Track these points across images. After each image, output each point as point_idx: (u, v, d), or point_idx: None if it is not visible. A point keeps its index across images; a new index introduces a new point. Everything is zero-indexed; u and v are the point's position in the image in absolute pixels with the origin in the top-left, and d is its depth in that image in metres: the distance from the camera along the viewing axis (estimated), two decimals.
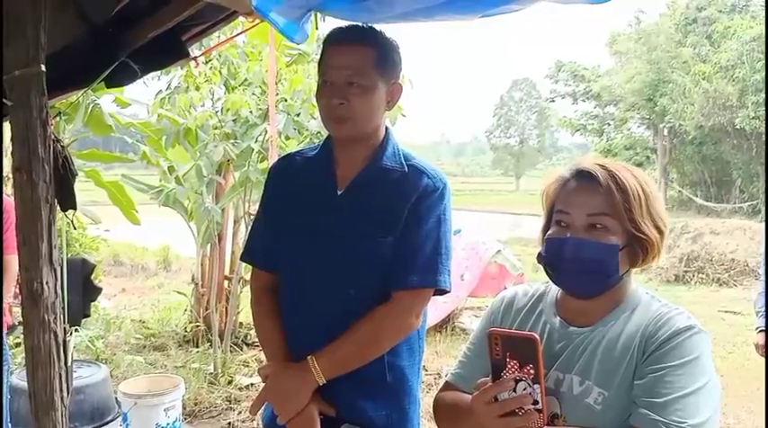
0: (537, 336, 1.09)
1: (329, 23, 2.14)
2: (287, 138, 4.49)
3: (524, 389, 1.07)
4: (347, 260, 1.53)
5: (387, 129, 1.62)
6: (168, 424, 3.37)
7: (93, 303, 4.32)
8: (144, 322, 6.31)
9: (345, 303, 1.52)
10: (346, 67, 1.50)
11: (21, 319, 3.10)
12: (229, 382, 4.60)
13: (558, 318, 1.26)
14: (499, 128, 53.89)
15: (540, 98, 48.11)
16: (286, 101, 4.44)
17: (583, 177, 1.20)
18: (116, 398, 3.48)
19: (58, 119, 3.46)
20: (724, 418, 4.19)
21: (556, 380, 1.20)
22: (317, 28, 2.81)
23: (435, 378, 4.65)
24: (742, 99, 17.42)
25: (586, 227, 1.18)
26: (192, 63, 4.04)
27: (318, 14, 2.04)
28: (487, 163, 60.88)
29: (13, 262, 2.66)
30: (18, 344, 3.97)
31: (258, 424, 3.98)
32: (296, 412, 1.48)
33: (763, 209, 10.77)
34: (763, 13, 18.71)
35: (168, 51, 2.27)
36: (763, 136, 17.37)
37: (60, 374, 1.66)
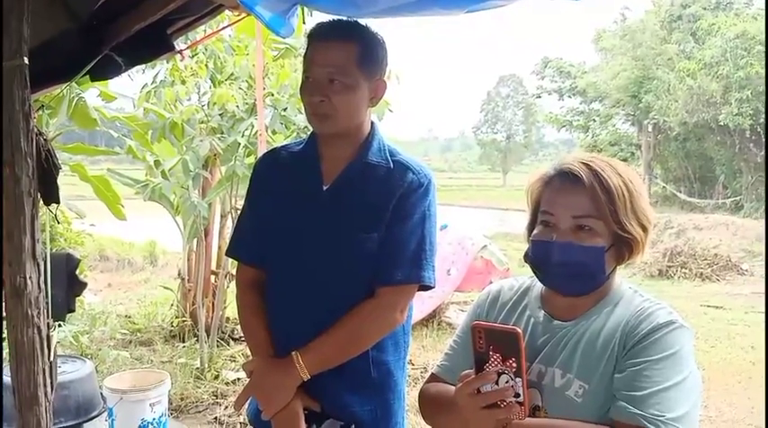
0: (519, 330, 1.10)
1: (317, 17, 2.13)
2: (274, 132, 4.47)
3: (507, 382, 1.09)
4: (332, 255, 1.53)
5: (373, 124, 1.62)
6: (154, 419, 3.36)
7: (77, 298, 4.28)
8: (130, 317, 6.28)
9: (330, 299, 1.52)
10: (328, 65, 1.49)
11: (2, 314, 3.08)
12: (216, 377, 4.59)
13: (543, 312, 1.27)
14: (486, 123, 54.01)
15: (526, 94, 48.28)
16: (273, 95, 4.42)
17: (567, 177, 1.21)
18: (101, 394, 3.46)
19: (41, 112, 3.42)
20: (705, 411, 4.25)
21: (538, 373, 1.21)
22: (303, 22, 2.81)
23: (422, 372, 4.67)
24: (726, 96, 17.58)
25: (572, 229, 1.19)
26: (178, 57, 4.01)
27: (306, 8, 2.04)
28: (474, 158, 60.99)
29: None
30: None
31: (244, 419, 3.98)
32: (280, 407, 1.48)
33: (764, 208, 10.90)
34: (747, 11, 18.89)
35: (153, 45, 2.25)
36: (747, 132, 17.58)
37: (44, 369, 1.64)
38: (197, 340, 5.03)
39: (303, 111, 4.43)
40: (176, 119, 4.52)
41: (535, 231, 1.24)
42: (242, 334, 5.49)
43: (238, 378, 4.58)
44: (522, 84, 51.76)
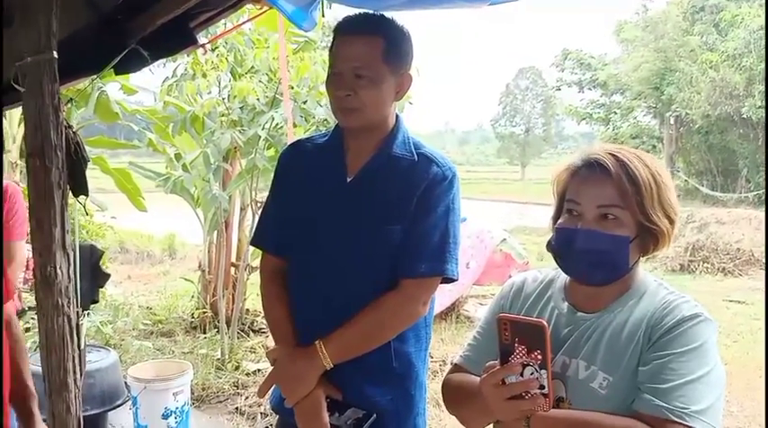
0: (545, 323, 1.10)
1: (335, 11, 2.14)
2: (294, 125, 4.49)
3: (531, 374, 1.10)
4: (355, 247, 1.54)
5: (397, 117, 1.62)
6: (177, 408, 3.41)
7: (100, 289, 4.35)
8: (151, 308, 6.36)
9: (353, 289, 1.54)
10: (354, 59, 1.49)
11: (30, 304, 3.14)
12: (236, 368, 4.64)
13: (567, 304, 1.27)
14: (505, 116, 53.65)
15: (545, 86, 47.88)
16: (293, 88, 4.43)
17: (594, 167, 1.20)
18: (125, 383, 3.52)
19: (69, 105, 3.47)
20: (727, 406, 4.21)
21: (562, 365, 1.22)
22: (323, 15, 2.82)
23: (440, 365, 4.68)
24: (749, 88, 17.29)
25: (597, 218, 1.18)
26: (200, 50, 4.04)
27: (325, 1, 2.04)
28: (492, 151, 60.66)
29: (18, 248, 2.67)
30: (28, 329, 4.02)
31: (265, 408, 4.02)
32: (303, 395, 1.50)
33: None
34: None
35: (177, 38, 2.27)
36: None
37: (73, 357, 1.68)
38: (217, 331, 5.09)
39: (322, 104, 4.46)
40: (197, 112, 4.55)
41: (560, 220, 1.24)
42: (262, 326, 5.56)
43: (259, 369, 4.62)
44: (542, 76, 51.32)
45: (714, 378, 1.11)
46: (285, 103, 3.90)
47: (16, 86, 1.71)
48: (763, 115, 16.71)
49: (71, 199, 1.86)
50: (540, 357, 1.09)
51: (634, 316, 1.19)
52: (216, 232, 5.42)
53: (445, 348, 5.19)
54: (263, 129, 4.42)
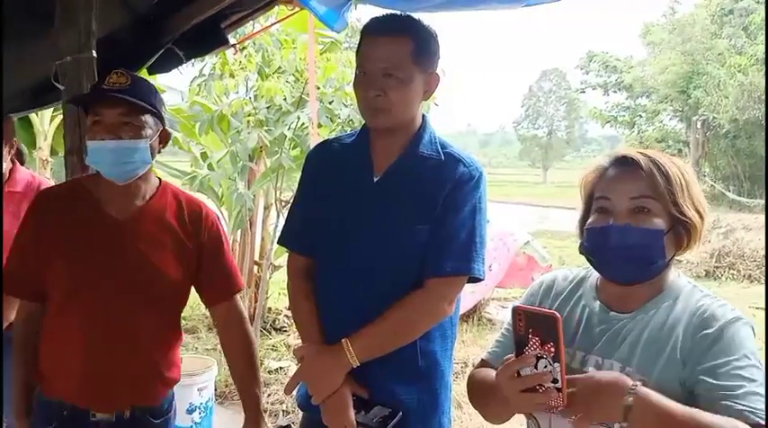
0: (558, 315, 1.08)
1: (358, 12, 2.14)
2: (319, 125, 4.52)
3: (545, 367, 1.08)
4: (382, 246, 1.55)
5: (424, 117, 1.63)
6: (201, 404, 3.45)
7: None
8: None
9: (379, 288, 1.54)
10: (383, 59, 1.50)
11: None
12: (259, 365, 4.67)
13: (598, 303, 1.26)
14: (527, 118, 53.42)
15: (569, 89, 47.54)
16: (319, 89, 4.46)
17: (623, 164, 1.21)
18: None
19: None
20: None
21: (596, 364, 1.21)
22: None
23: (462, 367, 4.67)
24: None
25: (630, 211, 1.18)
26: (230, 50, 4.09)
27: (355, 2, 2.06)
28: (514, 154, 60.47)
29: None
30: None
31: (287, 406, 4.05)
32: (330, 392, 1.51)
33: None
34: None
35: (209, 38, 2.31)
36: None
37: None
38: None
39: (347, 104, 4.47)
40: (224, 111, 4.60)
41: (590, 220, 1.24)
42: (284, 325, 5.60)
43: (281, 367, 4.66)
44: (566, 78, 51.02)
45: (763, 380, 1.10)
46: (312, 104, 3.93)
47: (56, 84, 1.75)
48: None
49: None
50: (553, 350, 1.07)
51: (671, 319, 1.17)
52: (240, 230, 5.46)
53: (467, 350, 5.18)
54: (289, 128, 4.45)
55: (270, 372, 4.59)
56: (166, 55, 2.22)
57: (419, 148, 1.58)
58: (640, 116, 23.13)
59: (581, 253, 1.26)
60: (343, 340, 1.51)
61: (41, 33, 1.98)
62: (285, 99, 4.49)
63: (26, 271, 1.63)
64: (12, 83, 2.19)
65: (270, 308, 5.71)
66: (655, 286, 1.22)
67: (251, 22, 3.51)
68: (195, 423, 3.42)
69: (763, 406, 1.05)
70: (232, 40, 2.94)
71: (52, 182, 2.57)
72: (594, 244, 1.22)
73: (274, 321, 5.60)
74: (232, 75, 4.56)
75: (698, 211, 1.19)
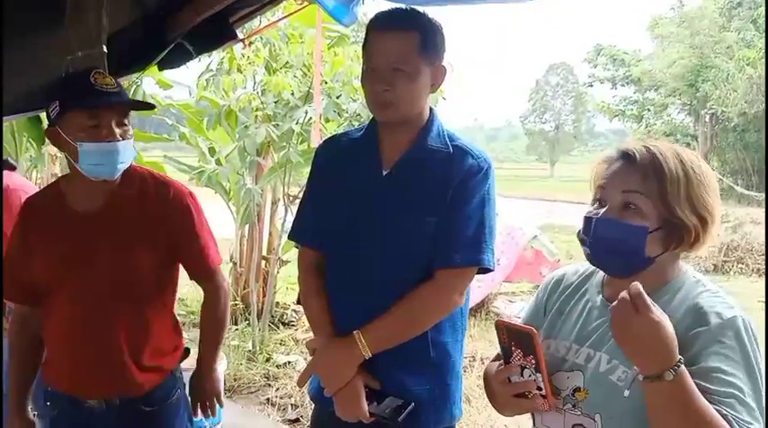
0: (534, 331, 1.16)
1: (368, 6, 2.14)
2: (327, 120, 4.52)
3: (530, 376, 1.17)
4: (392, 239, 1.56)
5: (432, 110, 1.63)
6: None
7: None
8: (183, 299, 6.45)
9: (389, 281, 1.55)
10: (390, 54, 1.51)
11: None
12: (267, 360, 4.70)
13: (601, 297, 1.27)
14: (534, 113, 53.25)
15: (577, 83, 47.37)
16: (326, 83, 4.47)
17: (624, 156, 1.21)
18: None
19: None
20: None
21: (586, 357, 1.22)
22: None
23: (470, 361, 4.68)
24: None
25: (621, 205, 1.18)
26: (237, 45, 4.09)
27: None
28: (521, 148, 60.28)
29: None
30: None
31: (296, 400, 4.07)
32: (342, 384, 1.52)
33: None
34: None
35: (218, 33, 2.31)
36: None
37: None
38: (248, 323, 5.15)
39: (355, 98, 4.47)
40: (232, 106, 4.61)
41: (589, 208, 1.25)
42: (292, 319, 5.62)
43: (289, 362, 4.68)
44: (573, 72, 50.84)
45: (760, 385, 1.09)
46: (316, 98, 3.93)
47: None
48: None
49: None
50: (533, 361, 1.16)
51: (665, 313, 1.13)
52: (248, 225, 5.48)
53: (474, 344, 5.18)
54: (296, 123, 4.46)
55: (278, 367, 4.60)
56: (176, 50, 2.22)
57: (428, 141, 1.58)
58: (648, 110, 23.01)
59: (578, 238, 1.26)
60: (354, 332, 1.52)
61: (53, 31, 1.99)
62: (293, 94, 4.50)
63: (15, 277, 1.71)
64: (24, 82, 2.20)
65: (278, 303, 5.73)
66: (655, 281, 1.20)
67: (258, 16, 3.51)
68: (191, 423, 3.43)
69: (748, 418, 1.04)
70: (240, 35, 2.94)
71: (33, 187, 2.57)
72: (585, 233, 1.23)
73: (282, 316, 5.62)
74: (240, 70, 4.56)
75: (698, 214, 1.16)
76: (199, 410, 1.88)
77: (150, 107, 1.76)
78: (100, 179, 1.62)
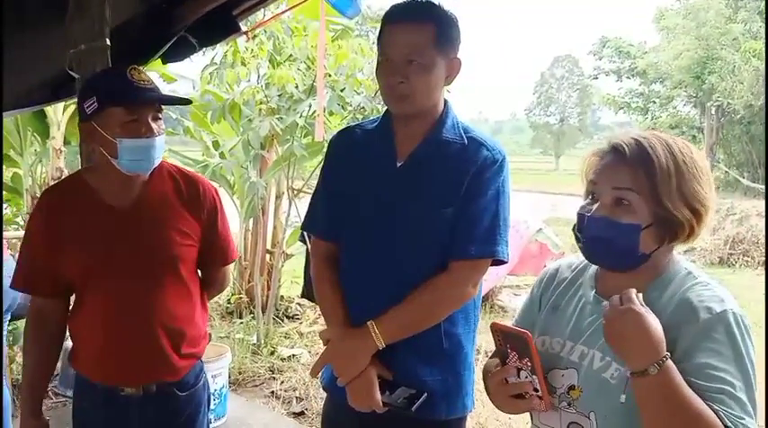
0: (529, 335, 1.17)
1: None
2: (331, 113, 4.51)
3: (525, 377, 1.19)
4: (406, 231, 1.56)
5: (446, 102, 1.63)
6: (215, 391, 3.48)
7: None
8: None
9: (403, 273, 1.56)
10: (406, 46, 1.50)
11: None
12: (272, 353, 4.71)
13: (593, 292, 1.25)
14: (539, 106, 53.10)
15: (582, 75, 47.22)
16: (330, 76, 4.45)
17: (615, 150, 1.19)
18: None
19: None
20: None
21: (580, 354, 1.21)
22: None
23: (475, 354, 4.68)
24: None
25: (611, 202, 1.17)
26: (241, 38, 4.08)
27: None
28: (526, 141, 60.19)
29: None
30: None
31: (301, 393, 4.08)
32: (355, 374, 1.53)
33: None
34: None
35: (221, 26, 2.31)
36: None
37: None
38: (253, 317, 5.16)
39: (360, 91, 4.44)
40: (236, 99, 4.60)
41: (581, 203, 1.24)
42: (296, 313, 5.63)
43: (293, 355, 4.69)
44: (578, 64, 50.64)
45: (752, 379, 1.08)
46: (319, 92, 3.92)
47: (71, 73, 1.76)
48: None
49: None
50: (529, 363, 1.17)
51: (656, 309, 1.12)
52: (252, 219, 5.48)
53: (479, 337, 5.08)
54: (300, 116, 4.45)
55: (283, 360, 4.62)
56: (180, 43, 2.22)
57: (442, 133, 1.58)
58: (654, 102, 22.89)
59: (573, 232, 1.26)
60: (368, 322, 1.53)
61: (56, 25, 1.98)
62: (297, 87, 4.48)
63: (37, 268, 1.69)
64: (28, 76, 2.21)
65: (282, 296, 5.74)
66: (649, 274, 1.19)
67: (262, 9, 3.50)
68: (210, 409, 3.45)
69: (739, 412, 1.04)
70: (244, 28, 2.94)
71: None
72: (578, 230, 1.23)
73: (287, 309, 5.63)
74: (243, 63, 4.55)
75: (691, 207, 1.14)
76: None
77: (187, 102, 1.78)
78: (135, 174, 1.65)
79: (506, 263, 1.60)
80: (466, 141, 1.57)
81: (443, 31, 1.53)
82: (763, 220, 10.23)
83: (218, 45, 4.43)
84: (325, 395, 1.76)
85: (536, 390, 1.18)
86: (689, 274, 1.18)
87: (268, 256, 5.53)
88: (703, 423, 1.02)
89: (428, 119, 1.59)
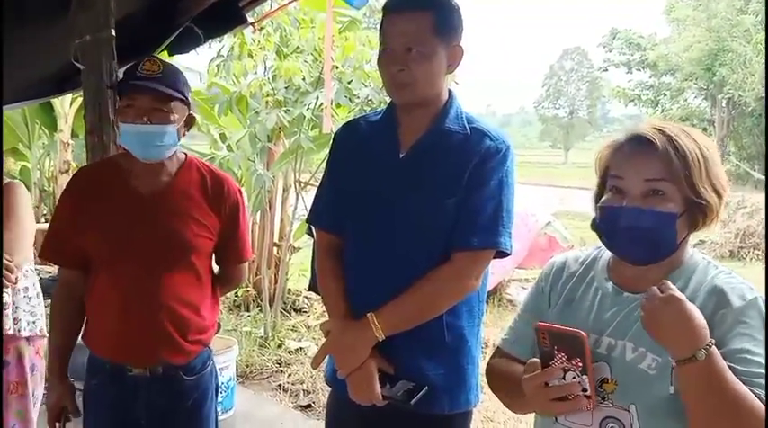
0: (585, 334, 1.12)
1: None
2: (338, 105, 4.48)
3: (573, 378, 1.13)
4: (409, 222, 1.54)
5: (450, 92, 1.61)
6: (222, 383, 3.48)
7: None
8: None
9: (406, 264, 1.54)
10: (405, 35, 1.49)
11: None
12: (279, 346, 4.71)
13: (611, 284, 1.24)
14: (548, 98, 52.88)
15: (591, 68, 46.95)
16: (337, 68, 4.43)
17: (639, 142, 1.17)
18: None
19: None
20: None
21: (608, 346, 1.19)
22: None
23: (482, 348, 4.67)
24: None
25: (643, 193, 1.15)
26: (248, 30, 4.06)
27: None
28: (535, 135, 59.98)
29: None
30: None
31: (308, 386, 4.08)
32: (355, 366, 1.51)
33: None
34: None
35: (227, 17, 2.29)
36: None
37: None
38: (260, 310, 5.17)
39: (367, 83, 4.41)
40: (243, 92, 4.59)
41: (604, 197, 1.22)
42: (303, 306, 5.63)
43: (300, 348, 4.69)
44: (588, 57, 50.37)
45: None
46: (326, 84, 3.90)
47: (76, 64, 1.75)
48: None
49: None
50: (580, 364, 1.12)
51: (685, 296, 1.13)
52: (259, 212, 5.47)
53: (487, 331, 5.13)
54: (307, 109, 4.43)
55: (290, 353, 4.62)
56: (186, 35, 2.20)
57: (445, 123, 1.56)
58: (664, 94, 22.75)
59: (592, 229, 1.24)
60: (368, 314, 1.51)
61: (61, 17, 1.97)
62: (304, 79, 4.46)
63: (63, 241, 1.78)
64: (34, 68, 2.20)
65: (289, 290, 5.74)
66: (669, 265, 1.19)
67: (268, 0, 3.48)
68: (217, 401, 3.46)
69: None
70: (250, 19, 2.92)
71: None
72: (606, 223, 1.20)
73: (294, 302, 5.63)
74: (250, 56, 4.53)
75: (716, 191, 1.16)
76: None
77: (181, 97, 1.74)
78: (149, 161, 1.71)
79: (509, 255, 1.57)
80: (469, 131, 1.55)
81: (443, 18, 1.51)
82: None
83: (224, 37, 4.42)
84: None
85: (584, 390, 1.14)
86: (709, 264, 1.20)
87: (275, 249, 5.53)
88: (748, 404, 1.03)
89: (431, 109, 1.57)
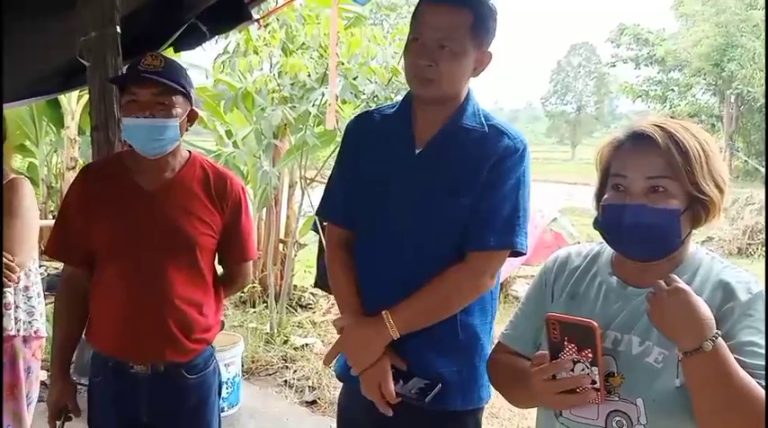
0: (596, 324, 1.11)
1: None
2: (343, 101, 4.48)
3: (582, 370, 1.13)
4: (423, 219, 1.53)
5: (468, 90, 1.59)
6: (228, 379, 3.50)
7: None
8: None
9: (419, 261, 1.53)
10: (440, 29, 1.46)
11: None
12: (285, 342, 4.72)
13: (615, 278, 1.24)
14: (555, 94, 52.66)
15: (599, 63, 46.66)
16: (343, 64, 4.42)
17: (640, 139, 1.17)
18: None
19: None
20: None
21: (614, 340, 1.19)
22: None
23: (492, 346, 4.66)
24: None
25: (646, 191, 1.15)
26: (253, 26, 4.05)
27: None
28: (542, 130, 59.71)
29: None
30: None
31: (313, 382, 4.09)
32: (369, 364, 1.50)
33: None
34: None
35: (233, 14, 2.29)
36: None
37: None
38: (266, 306, 5.18)
39: (373, 80, 4.40)
40: (249, 88, 4.59)
41: (606, 196, 1.21)
42: (309, 302, 5.63)
43: (306, 344, 4.70)
44: (596, 52, 50.12)
45: None
46: (332, 80, 3.89)
47: (81, 60, 1.75)
48: None
49: None
50: (590, 355, 1.12)
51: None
52: (265, 208, 5.48)
53: (497, 328, 5.14)
54: (313, 105, 4.43)
55: (296, 349, 4.63)
56: (191, 31, 2.20)
57: (462, 120, 1.54)
58: (672, 90, 22.61)
59: (595, 228, 1.24)
60: (383, 312, 1.50)
61: (68, 13, 1.98)
62: (309, 75, 4.46)
63: (68, 238, 1.78)
64: (40, 65, 2.20)
65: (295, 286, 5.75)
66: (673, 260, 1.19)
67: None
68: (222, 397, 3.47)
69: None
70: (255, 16, 2.92)
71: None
72: (609, 221, 1.20)
73: (300, 298, 5.64)
74: (256, 52, 4.53)
75: (717, 186, 1.16)
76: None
77: (181, 89, 1.73)
78: (147, 156, 1.71)
79: (525, 254, 1.56)
80: (486, 129, 1.53)
81: (481, 20, 1.48)
82: None
83: (230, 33, 4.42)
84: (337, 384, 1.74)
85: (593, 383, 1.13)
86: (714, 259, 1.20)
87: (281, 246, 5.54)
88: (754, 396, 1.04)
89: (449, 106, 1.55)
